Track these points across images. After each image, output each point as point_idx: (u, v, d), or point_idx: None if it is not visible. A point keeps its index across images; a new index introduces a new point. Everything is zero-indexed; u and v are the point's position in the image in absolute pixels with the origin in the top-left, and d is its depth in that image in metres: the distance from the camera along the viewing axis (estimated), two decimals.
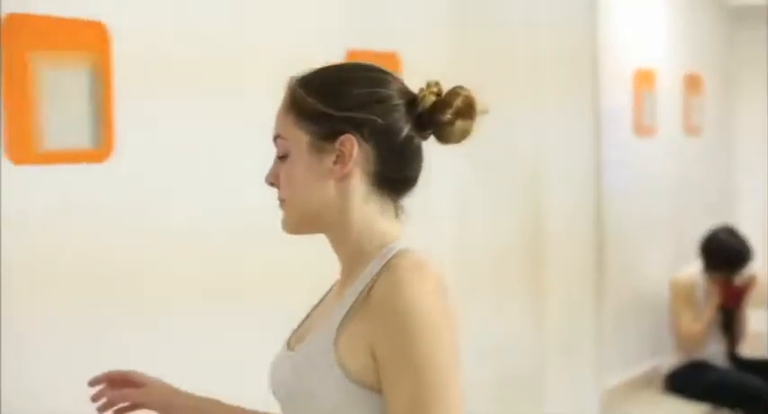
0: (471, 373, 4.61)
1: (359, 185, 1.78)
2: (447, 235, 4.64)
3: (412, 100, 1.81)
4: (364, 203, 1.79)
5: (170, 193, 3.24)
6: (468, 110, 1.80)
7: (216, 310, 3.33)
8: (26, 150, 2.86)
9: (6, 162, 2.82)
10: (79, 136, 2.99)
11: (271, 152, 3.62)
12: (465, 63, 4.68)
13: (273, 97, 3.56)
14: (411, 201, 4.29)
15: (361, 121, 1.76)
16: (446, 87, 1.84)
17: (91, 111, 3.01)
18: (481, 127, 1.84)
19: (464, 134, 1.81)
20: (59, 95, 2.92)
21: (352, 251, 1.81)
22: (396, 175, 1.80)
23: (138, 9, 3.17)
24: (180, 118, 3.28)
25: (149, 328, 3.14)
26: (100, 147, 3.03)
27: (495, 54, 4.89)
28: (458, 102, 1.80)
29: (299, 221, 1.82)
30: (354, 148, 1.76)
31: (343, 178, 1.77)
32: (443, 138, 1.82)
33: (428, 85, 1.83)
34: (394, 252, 1.76)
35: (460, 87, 1.83)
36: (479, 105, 1.82)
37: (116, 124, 3.06)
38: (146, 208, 3.18)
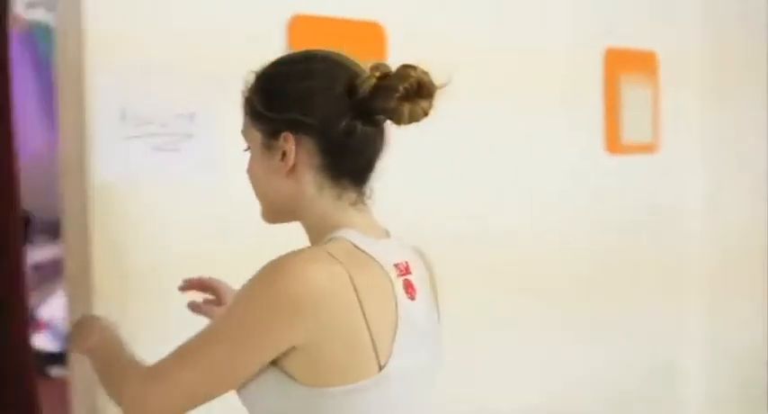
0: (714, 376, 4.62)
1: (310, 178, 1.77)
2: (698, 234, 4.57)
3: (352, 87, 1.75)
4: (318, 195, 1.77)
5: (441, 200, 3.32)
6: (417, 92, 1.73)
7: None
8: None
9: None
10: None
11: (536, 149, 3.70)
12: (721, 60, 4.61)
13: (533, 97, 3.65)
14: (666, 198, 4.30)
15: (292, 120, 1.75)
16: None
17: None
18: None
19: (415, 116, 1.74)
20: None
21: (313, 240, 1.81)
22: (343, 167, 1.77)
23: (411, 10, 3.25)
24: (446, 120, 3.34)
25: None
26: None
27: (749, 51, 4.79)
28: (404, 84, 1.73)
29: (270, 212, 1.85)
30: (291, 145, 1.75)
31: (292, 173, 1.77)
32: (394, 121, 1.76)
33: (371, 69, 1.78)
34: (328, 238, 1.75)
35: (407, 67, 1.76)
36: (431, 85, 1.74)
37: None
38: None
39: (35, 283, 5.24)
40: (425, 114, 1.75)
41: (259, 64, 2.83)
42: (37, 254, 5.26)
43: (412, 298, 1.76)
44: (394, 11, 3.19)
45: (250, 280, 1.70)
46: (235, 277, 2.73)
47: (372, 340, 1.68)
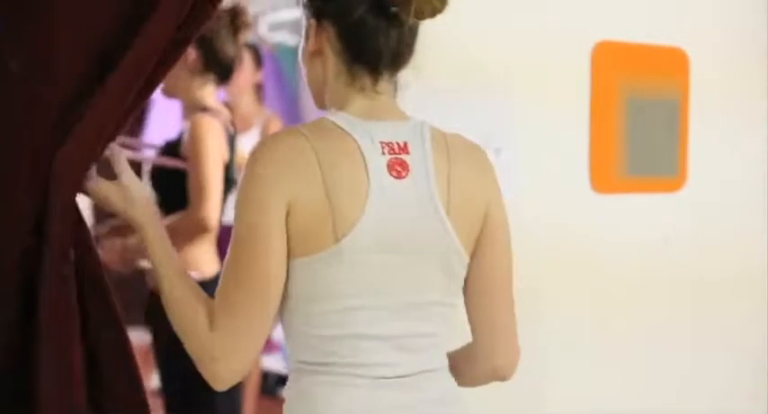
0: None
1: (331, 64, 1.83)
2: None
3: None
4: (335, 80, 1.83)
5: (740, 228, 3.15)
6: None
7: None
8: (609, 179, 2.85)
9: (591, 192, 2.83)
10: (659, 164, 2.96)
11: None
12: None
13: None
14: None
15: (317, 7, 1.82)
16: None
17: (670, 138, 2.97)
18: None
19: (422, 13, 1.77)
20: (643, 121, 2.90)
21: None
22: (356, 54, 1.81)
23: (713, 36, 3.10)
24: (752, 152, 3.18)
25: None
26: (676, 176, 2.98)
27: None
28: None
29: (313, 96, 1.90)
30: (312, 30, 1.83)
31: (318, 57, 1.84)
32: (403, 15, 1.77)
33: None
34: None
35: None
36: None
37: (690, 153, 3.00)
38: (715, 239, 3.10)
39: None
40: (435, 12, 1.78)
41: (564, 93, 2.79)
42: None
43: (398, 176, 1.77)
44: (696, 36, 3.04)
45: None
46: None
47: (333, 212, 1.72)
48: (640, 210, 2.95)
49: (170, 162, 3.15)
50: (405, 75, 1.85)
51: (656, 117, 2.93)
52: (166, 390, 3.32)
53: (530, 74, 2.73)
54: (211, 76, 3.29)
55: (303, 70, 1.88)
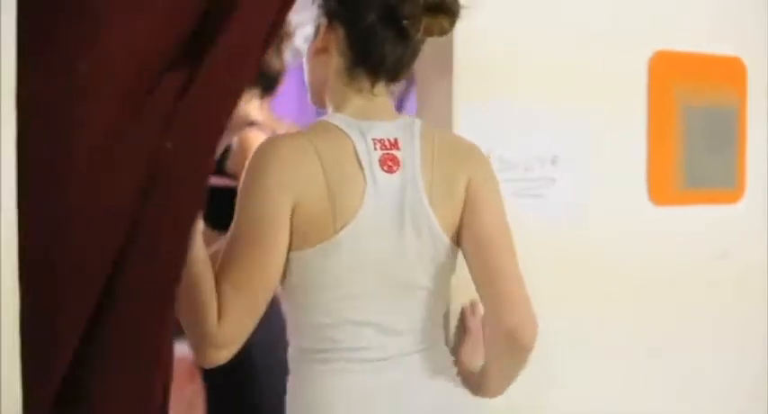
0: None
1: (334, 63, 1.90)
2: None
3: None
4: (335, 79, 1.90)
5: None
6: (436, 6, 1.81)
7: None
8: (667, 191, 2.80)
9: (649, 204, 2.78)
10: (716, 176, 2.90)
11: None
12: None
13: None
14: None
15: (332, 8, 1.89)
16: None
17: (728, 149, 2.91)
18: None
19: (431, 31, 1.83)
20: (701, 132, 2.85)
21: None
22: (359, 58, 1.88)
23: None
24: None
25: None
26: (734, 188, 2.92)
27: None
28: None
29: (310, 94, 1.96)
30: (322, 29, 1.90)
31: (322, 54, 1.90)
32: (411, 31, 1.83)
33: None
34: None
35: None
36: (453, 3, 1.81)
37: (749, 164, 2.95)
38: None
39: None
40: (443, 31, 1.83)
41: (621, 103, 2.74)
42: None
43: (389, 171, 1.85)
44: (754, 46, 2.99)
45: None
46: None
47: (334, 207, 1.80)
48: (698, 222, 2.89)
49: (213, 180, 3.08)
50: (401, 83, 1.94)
51: (713, 128, 2.88)
52: (213, 401, 3.28)
53: (587, 83, 2.68)
54: (257, 90, 3.25)
55: (306, 66, 1.95)
